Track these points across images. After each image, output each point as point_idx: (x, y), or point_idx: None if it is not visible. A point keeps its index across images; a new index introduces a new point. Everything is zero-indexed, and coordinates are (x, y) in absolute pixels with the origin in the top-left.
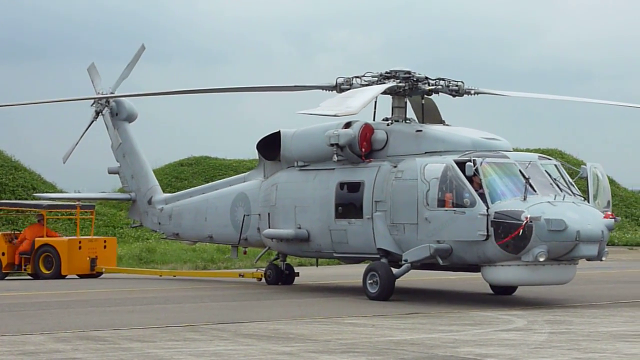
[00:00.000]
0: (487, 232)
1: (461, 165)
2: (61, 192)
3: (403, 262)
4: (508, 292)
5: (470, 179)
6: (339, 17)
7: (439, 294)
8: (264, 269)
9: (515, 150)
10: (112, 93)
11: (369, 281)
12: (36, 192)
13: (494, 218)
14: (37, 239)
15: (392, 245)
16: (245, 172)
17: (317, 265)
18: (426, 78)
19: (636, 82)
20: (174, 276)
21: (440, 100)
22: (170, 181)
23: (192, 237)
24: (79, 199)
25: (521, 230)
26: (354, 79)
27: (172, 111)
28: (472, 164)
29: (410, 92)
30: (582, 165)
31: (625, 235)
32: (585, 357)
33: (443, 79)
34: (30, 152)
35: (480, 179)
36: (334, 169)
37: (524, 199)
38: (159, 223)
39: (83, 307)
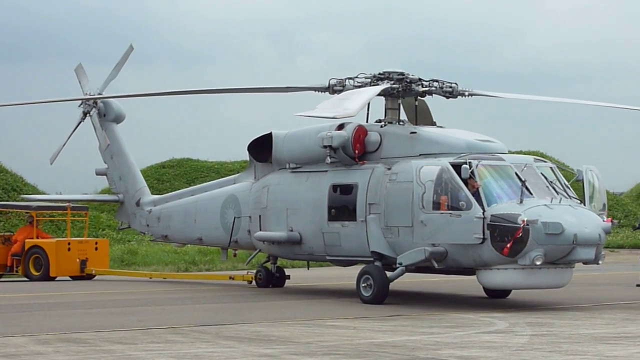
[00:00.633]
0: (483, 235)
1: (457, 167)
2: (43, 193)
3: (397, 266)
4: (502, 296)
5: (466, 182)
6: (319, 18)
7: (423, 296)
8: (254, 271)
9: None
10: (99, 94)
11: (363, 284)
12: (18, 194)
13: (490, 221)
14: (27, 240)
15: (386, 248)
16: (227, 174)
17: (308, 268)
18: (420, 79)
19: (616, 85)
20: (164, 278)
21: (432, 102)
22: (152, 183)
23: (182, 239)
24: (68, 201)
25: (518, 234)
26: (347, 80)
27: (153, 113)
28: (467, 166)
29: (404, 93)
30: (577, 168)
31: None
32: None
33: (437, 81)
34: (11, 153)
35: (476, 182)
36: (326, 171)
37: (521, 202)
38: (148, 225)
39: (65, 309)
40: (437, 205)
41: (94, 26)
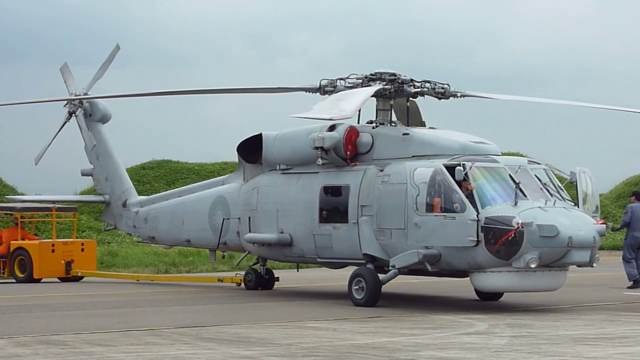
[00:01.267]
0: (477, 237)
1: (451, 169)
2: (22, 194)
3: (390, 268)
4: (494, 298)
5: (460, 184)
6: (299, 20)
7: (410, 298)
8: (243, 273)
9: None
10: (85, 94)
11: (355, 287)
12: None
13: (485, 223)
14: (12, 242)
15: (378, 250)
16: (207, 175)
17: (297, 270)
18: (412, 80)
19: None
20: (152, 281)
21: (423, 103)
22: (132, 184)
23: (169, 240)
24: (54, 202)
25: (513, 236)
26: (338, 80)
27: (134, 114)
28: (462, 168)
29: (396, 94)
30: (571, 170)
31: None
32: None
33: (429, 82)
34: None
35: (470, 184)
36: (318, 172)
37: (515, 204)
38: (134, 226)
39: (44, 311)
40: (431, 208)
41: (79, 26)
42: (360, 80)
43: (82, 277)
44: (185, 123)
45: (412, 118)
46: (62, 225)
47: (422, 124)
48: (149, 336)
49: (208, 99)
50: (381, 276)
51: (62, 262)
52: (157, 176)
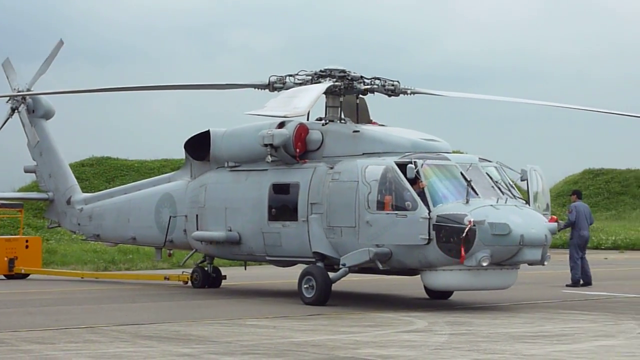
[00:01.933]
0: (429, 236)
1: (402, 167)
2: None
3: (340, 266)
4: (444, 297)
5: (411, 182)
6: (239, 16)
7: (351, 296)
8: (190, 271)
9: None
10: (29, 90)
11: (305, 286)
12: None
13: (436, 222)
14: None
15: (328, 248)
16: (147, 173)
17: (245, 268)
18: (362, 77)
19: (531, 87)
20: (97, 278)
21: (371, 100)
22: None
23: (114, 238)
24: None
25: (464, 234)
26: (287, 77)
27: (72, 109)
28: (413, 165)
29: (346, 91)
30: (522, 168)
31: None
32: (485, 358)
33: (379, 78)
34: None
35: (422, 181)
36: (267, 169)
37: (467, 202)
38: (79, 224)
39: None
40: (382, 205)
41: (21, 21)
42: (310, 77)
43: (27, 275)
44: (126, 119)
45: (361, 115)
46: (3, 221)
47: (370, 122)
48: (87, 334)
49: (149, 94)
50: (331, 274)
51: (5, 259)
52: (97, 173)
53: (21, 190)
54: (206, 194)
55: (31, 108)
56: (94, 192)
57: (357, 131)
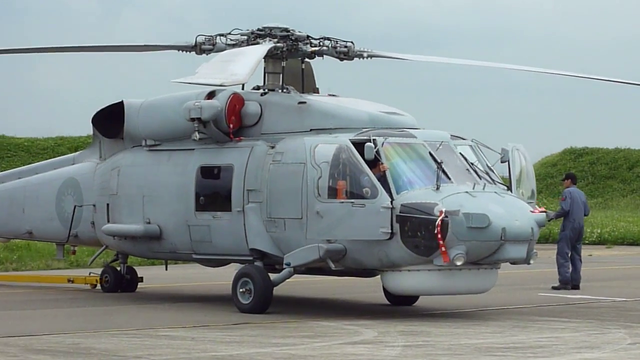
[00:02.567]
0: (392, 229)
1: (359, 146)
2: None
3: (284, 266)
4: (408, 302)
5: (370, 164)
6: None
7: (281, 301)
8: (99, 272)
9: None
10: None
11: (241, 290)
12: None
13: (401, 212)
14: None
15: (269, 245)
16: (39, 153)
17: (166, 269)
18: (308, 37)
19: (501, 48)
20: None
21: (321, 65)
22: None
23: (6, 233)
24: None
25: (434, 227)
26: (218, 37)
27: None
28: (372, 144)
29: (289, 54)
30: (502, 147)
31: None
32: None
33: (329, 39)
34: None
35: (383, 164)
36: (193, 149)
37: (437, 188)
38: None
39: None
40: (334, 193)
41: None
42: (246, 37)
43: None
44: (13, 90)
45: (307, 84)
46: None
47: (316, 91)
48: None
49: (40, 61)
50: (273, 276)
51: None
52: None
53: None
54: (119, 178)
55: None
56: None
57: (304, 102)
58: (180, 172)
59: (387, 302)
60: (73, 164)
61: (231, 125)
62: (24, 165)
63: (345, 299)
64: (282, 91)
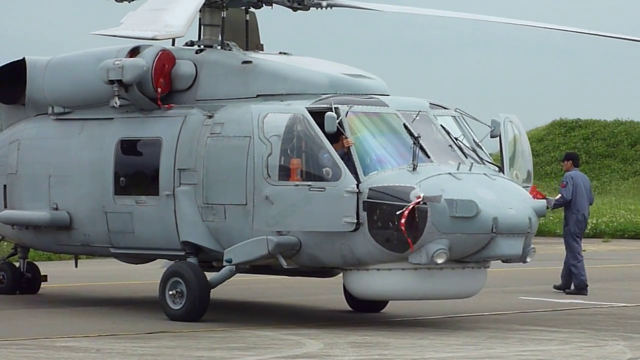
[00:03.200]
0: (358, 218)
1: (318, 116)
2: None
3: (224, 263)
4: (375, 309)
5: (331, 138)
6: None
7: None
8: None
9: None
10: None
11: (170, 292)
12: None
13: (369, 198)
14: None
15: (205, 237)
16: None
17: (76, 266)
18: None
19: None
20: None
21: (268, 16)
22: None
23: None
24: None
25: (409, 216)
26: None
27: None
28: (334, 114)
29: (230, 2)
30: (492, 119)
31: None
32: None
33: None
34: None
35: (347, 137)
36: (112, 118)
37: (414, 169)
38: None
39: None
40: (288, 173)
41: None
42: None
43: None
44: None
45: (251, 39)
46: None
47: (260, 48)
48: None
49: None
50: (210, 275)
51: None
52: None
53: None
54: (19, 154)
55: None
56: None
57: (249, 62)
58: (96, 147)
59: (347, 307)
60: None
61: (159, 90)
62: None
63: (287, 303)
64: (222, 48)
